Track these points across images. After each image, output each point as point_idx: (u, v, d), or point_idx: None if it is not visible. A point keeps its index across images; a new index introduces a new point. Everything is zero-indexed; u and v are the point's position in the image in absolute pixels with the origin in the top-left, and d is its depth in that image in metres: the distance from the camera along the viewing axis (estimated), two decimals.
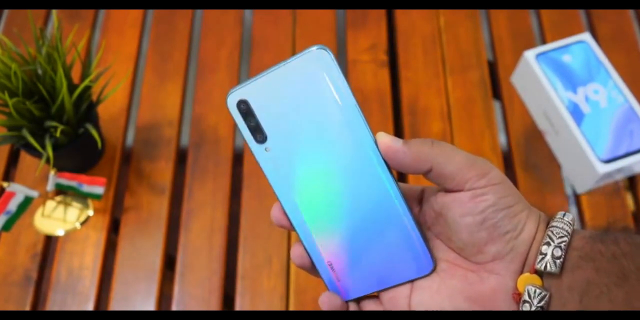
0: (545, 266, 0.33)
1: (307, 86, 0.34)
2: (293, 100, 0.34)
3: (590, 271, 0.32)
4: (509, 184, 0.35)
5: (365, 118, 0.34)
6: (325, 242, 0.36)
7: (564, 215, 0.35)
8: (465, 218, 0.34)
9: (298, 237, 0.36)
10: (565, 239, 0.33)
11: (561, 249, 0.33)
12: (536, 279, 0.33)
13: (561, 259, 0.33)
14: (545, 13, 0.81)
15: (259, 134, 0.35)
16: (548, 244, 0.33)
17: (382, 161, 0.35)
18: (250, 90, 0.34)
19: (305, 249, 0.36)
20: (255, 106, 0.34)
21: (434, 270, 0.35)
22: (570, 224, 0.34)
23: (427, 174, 0.35)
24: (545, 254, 0.33)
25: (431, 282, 0.36)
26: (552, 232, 0.34)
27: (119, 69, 0.76)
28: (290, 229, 0.36)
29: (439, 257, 0.36)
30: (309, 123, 0.34)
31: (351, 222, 0.35)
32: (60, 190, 0.67)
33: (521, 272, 0.34)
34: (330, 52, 0.33)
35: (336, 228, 0.35)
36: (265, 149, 0.35)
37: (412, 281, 0.36)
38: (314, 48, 0.33)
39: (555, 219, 0.35)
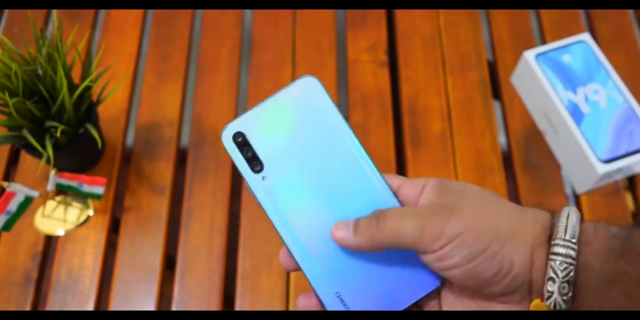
0: (555, 305, 0.30)
1: (299, 113, 0.35)
2: (286, 128, 0.35)
3: (618, 297, 0.29)
4: (476, 225, 0.31)
5: (359, 140, 0.35)
6: (330, 272, 0.35)
7: (566, 229, 0.31)
8: (445, 272, 0.32)
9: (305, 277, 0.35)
10: (571, 268, 0.30)
11: (569, 284, 0.30)
12: (549, 308, 0.31)
13: (570, 294, 0.30)
14: (545, 13, 0.81)
15: (256, 164, 0.35)
16: (552, 280, 0.30)
17: (381, 180, 0.35)
18: (245, 122, 0.35)
19: (311, 284, 0.35)
20: (251, 137, 0.35)
21: (441, 282, 0.35)
22: (573, 243, 0.30)
23: None
24: (552, 293, 0.30)
25: (448, 295, 0.35)
26: (554, 262, 0.30)
27: (119, 69, 0.76)
28: (298, 270, 0.36)
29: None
30: (304, 148, 0.35)
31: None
32: (61, 190, 0.67)
33: (529, 298, 0.32)
34: (318, 80, 0.35)
35: (339, 254, 0.35)
36: (263, 178, 0.35)
37: (421, 299, 0.35)
38: (302, 77, 0.35)
39: (555, 241, 0.31)
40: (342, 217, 0.35)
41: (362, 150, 0.35)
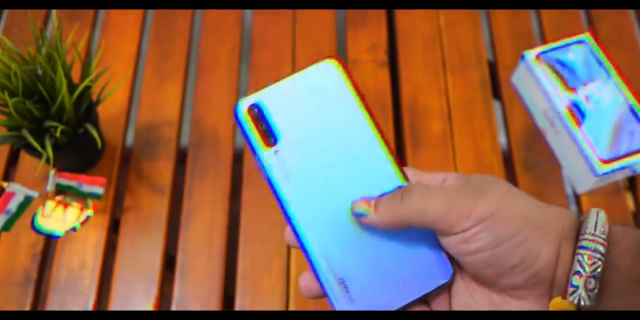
0: (579, 301, 0.28)
1: (318, 93, 0.35)
2: (304, 106, 0.35)
3: None
4: (506, 210, 0.30)
5: (375, 123, 0.35)
6: (336, 256, 0.33)
7: (595, 225, 0.29)
8: (464, 258, 0.31)
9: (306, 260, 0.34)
10: (599, 263, 0.28)
11: (595, 279, 0.28)
12: (570, 305, 0.29)
13: (596, 291, 0.28)
14: (545, 13, 0.81)
15: (269, 138, 0.34)
16: (578, 274, 0.28)
17: (397, 168, 0.35)
18: (263, 96, 0.35)
19: (313, 266, 0.33)
20: (267, 110, 0.35)
21: (453, 276, 0.33)
22: (603, 239, 0.29)
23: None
24: (577, 287, 0.28)
25: (459, 289, 0.33)
26: (582, 256, 0.29)
27: (119, 68, 0.76)
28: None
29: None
30: (320, 127, 0.35)
31: (363, 231, 0.34)
32: (60, 190, 0.67)
33: (549, 295, 0.30)
34: (340, 63, 0.35)
35: (347, 238, 0.34)
36: (275, 152, 0.34)
37: (430, 293, 0.33)
38: (325, 60, 0.35)
39: (584, 236, 0.29)
40: (352, 199, 0.34)
41: (379, 136, 0.35)
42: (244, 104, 0.35)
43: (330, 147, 0.34)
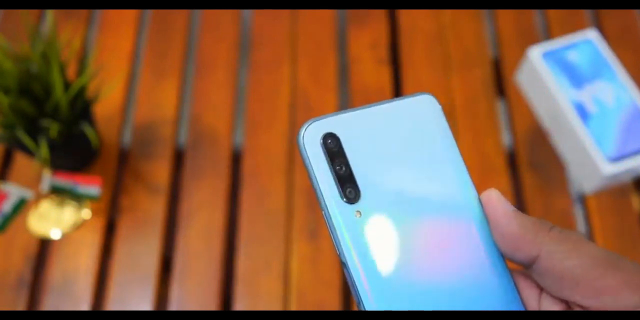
0: None
1: (409, 134, 0.27)
2: (392, 148, 0.26)
3: None
4: None
5: (469, 174, 0.29)
6: None
7: None
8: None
9: None
10: None
11: None
12: None
13: None
14: (551, 10, 0.80)
15: (350, 189, 0.25)
16: None
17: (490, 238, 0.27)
18: (340, 124, 0.26)
19: None
20: (348, 146, 0.25)
21: None
22: None
23: (530, 266, 0.25)
24: None
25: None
26: None
27: (115, 66, 0.75)
28: None
29: None
30: (410, 181, 0.26)
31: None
32: (56, 190, 0.66)
33: None
34: (436, 100, 0.28)
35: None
36: (357, 214, 0.25)
37: None
38: (418, 94, 0.28)
39: None
40: (451, 275, 0.26)
41: (475, 194, 0.28)
42: (316, 130, 0.25)
43: (422, 212, 0.26)
